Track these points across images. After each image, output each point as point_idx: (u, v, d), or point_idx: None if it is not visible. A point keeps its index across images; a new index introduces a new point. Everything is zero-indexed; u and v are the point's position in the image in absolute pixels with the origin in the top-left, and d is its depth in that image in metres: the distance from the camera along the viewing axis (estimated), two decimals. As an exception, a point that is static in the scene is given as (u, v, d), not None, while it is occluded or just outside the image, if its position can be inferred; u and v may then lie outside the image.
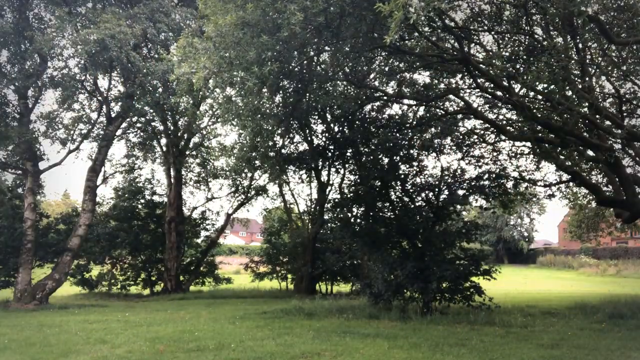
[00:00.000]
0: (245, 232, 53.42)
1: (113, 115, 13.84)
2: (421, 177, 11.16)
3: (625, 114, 9.50)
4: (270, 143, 11.97)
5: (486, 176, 11.17)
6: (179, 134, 17.49)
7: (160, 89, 12.73)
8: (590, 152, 9.90)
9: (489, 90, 9.64)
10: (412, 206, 11.01)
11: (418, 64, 9.03)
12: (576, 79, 8.02)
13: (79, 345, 6.29)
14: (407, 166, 11.15)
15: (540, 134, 9.76)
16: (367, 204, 11.09)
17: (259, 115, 8.70)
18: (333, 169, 15.47)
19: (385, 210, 11.34)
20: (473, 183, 10.98)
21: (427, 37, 8.14)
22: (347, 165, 13.57)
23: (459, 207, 11.57)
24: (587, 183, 10.71)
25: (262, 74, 6.21)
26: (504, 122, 11.06)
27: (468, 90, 10.65)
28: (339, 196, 13.40)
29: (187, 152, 18.30)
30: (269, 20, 6.12)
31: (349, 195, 11.80)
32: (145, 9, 12.03)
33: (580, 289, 19.20)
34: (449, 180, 10.94)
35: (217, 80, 6.70)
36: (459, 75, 9.86)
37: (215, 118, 17.42)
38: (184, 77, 6.82)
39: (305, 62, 8.68)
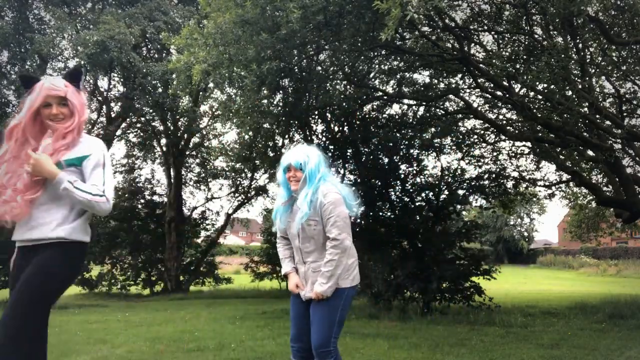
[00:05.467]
0: (245, 232, 53.41)
1: (113, 115, 13.85)
2: (421, 177, 11.16)
3: (625, 114, 9.49)
4: (270, 143, 11.95)
5: (486, 176, 11.18)
6: (179, 134, 17.50)
7: (160, 89, 12.76)
8: (590, 152, 9.89)
9: (489, 90, 9.64)
10: (412, 206, 10.99)
11: (418, 63, 9.03)
12: (576, 79, 8.01)
13: (79, 345, 6.27)
14: (407, 166, 11.14)
15: (540, 134, 9.76)
16: (367, 204, 11.08)
17: (257, 114, 8.68)
18: (333, 169, 15.46)
19: (385, 210, 11.32)
20: (473, 183, 10.98)
21: (427, 36, 8.14)
22: (347, 165, 13.54)
23: (459, 207, 11.56)
24: (587, 183, 10.71)
25: (261, 72, 6.19)
26: (504, 122, 11.06)
27: (468, 90, 10.65)
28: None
29: (187, 152, 18.30)
30: (268, 18, 6.11)
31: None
32: (144, 9, 12.04)
33: (580, 289, 19.18)
34: (449, 180, 10.94)
35: (216, 76, 6.66)
36: (459, 75, 9.86)
37: (214, 118, 17.41)
38: (181, 65, 6.73)
39: (304, 61, 8.67)
